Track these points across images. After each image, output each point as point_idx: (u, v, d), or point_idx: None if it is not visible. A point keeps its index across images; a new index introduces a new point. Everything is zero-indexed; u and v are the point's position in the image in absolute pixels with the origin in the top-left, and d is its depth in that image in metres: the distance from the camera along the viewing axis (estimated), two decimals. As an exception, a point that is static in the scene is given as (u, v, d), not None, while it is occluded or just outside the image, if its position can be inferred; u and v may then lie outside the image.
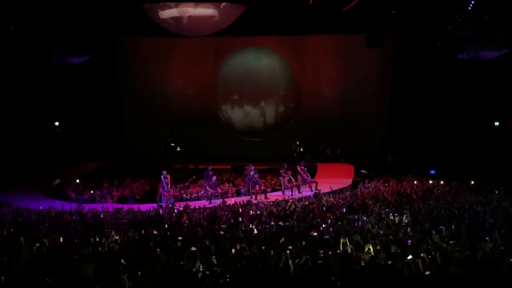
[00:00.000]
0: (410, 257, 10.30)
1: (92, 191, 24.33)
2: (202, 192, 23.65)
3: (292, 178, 23.54)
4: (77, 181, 26.34)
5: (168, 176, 22.32)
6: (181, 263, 10.09)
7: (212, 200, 22.05)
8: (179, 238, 12.39)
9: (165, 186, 21.96)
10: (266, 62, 33.25)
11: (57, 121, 32.43)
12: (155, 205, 20.74)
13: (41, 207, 19.30)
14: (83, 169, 29.29)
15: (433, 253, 10.51)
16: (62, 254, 11.05)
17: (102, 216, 17.66)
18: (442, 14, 26.58)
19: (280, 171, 23.76)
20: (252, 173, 22.94)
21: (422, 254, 10.17)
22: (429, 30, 27.80)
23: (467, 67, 28.00)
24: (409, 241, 11.91)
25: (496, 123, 30.16)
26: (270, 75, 33.13)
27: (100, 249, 11.87)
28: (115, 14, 27.57)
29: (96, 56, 30.16)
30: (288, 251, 10.24)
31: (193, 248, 10.65)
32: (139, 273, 9.40)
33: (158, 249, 11.09)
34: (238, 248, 11.18)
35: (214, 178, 22.75)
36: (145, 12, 27.33)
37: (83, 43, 29.49)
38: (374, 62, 31.46)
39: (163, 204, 20.82)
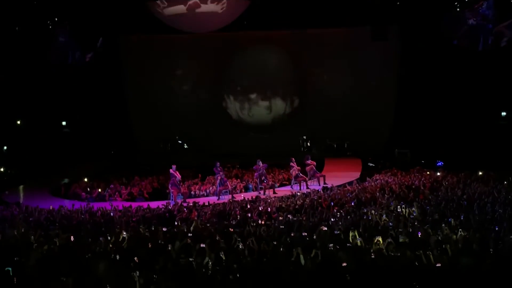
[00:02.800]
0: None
1: (100, 190, 24.41)
2: (211, 188, 23.71)
3: (299, 173, 23.53)
4: (86, 180, 26.44)
5: (177, 172, 22.27)
6: (191, 259, 10.11)
7: (220, 197, 22.07)
8: (189, 234, 12.43)
9: (175, 181, 21.91)
10: (272, 57, 33.22)
11: (64, 121, 32.49)
12: (164, 202, 20.77)
13: (51, 207, 19.35)
14: (91, 168, 29.39)
15: (443, 245, 10.51)
16: (73, 253, 11.10)
17: (111, 214, 17.70)
18: (448, 4, 26.51)
19: (290, 163, 23.72)
20: (261, 167, 22.91)
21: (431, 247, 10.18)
22: (435, 22, 27.68)
23: (473, 58, 27.83)
24: (419, 233, 11.90)
25: (503, 113, 30.02)
26: (276, 70, 33.13)
27: (110, 246, 11.91)
28: (119, 13, 27.61)
29: (102, 56, 30.18)
30: (299, 247, 10.25)
31: (203, 245, 10.67)
32: (150, 270, 9.45)
33: (169, 246, 11.13)
34: (247, 243, 11.20)
35: (223, 174, 22.75)
36: (149, 10, 27.35)
37: (87, 42, 29.53)
38: (380, 55, 31.37)
39: (172, 202, 20.84)
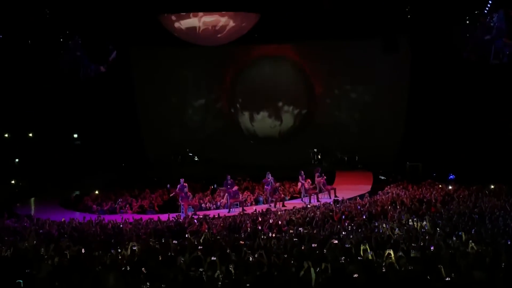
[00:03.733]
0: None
1: (111, 202, 24.45)
2: (222, 200, 23.68)
3: (310, 186, 23.48)
4: (96, 192, 26.49)
5: (186, 184, 22.30)
6: (201, 269, 10.08)
7: (231, 209, 22.05)
8: (199, 247, 12.41)
9: (185, 195, 21.96)
10: (282, 69, 33.24)
11: (75, 133, 32.63)
12: (174, 215, 20.77)
13: (63, 219, 19.39)
14: (102, 180, 29.45)
15: (455, 259, 10.42)
16: (83, 265, 11.10)
17: (122, 226, 17.72)
18: (459, 17, 26.48)
19: (299, 177, 23.68)
20: (270, 180, 22.88)
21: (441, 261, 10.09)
22: (446, 34, 27.66)
23: (484, 69, 27.74)
24: (431, 247, 11.82)
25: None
26: (287, 82, 33.11)
27: (121, 259, 11.91)
28: (130, 25, 27.76)
29: (113, 68, 30.35)
30: (309, 260, 10.20)
31: (214, 258, 10.65)
32: (160, 282, 9.43)
33: (179, 258, 11.10)
34: (257, 256, 11.15)
35: (236, 188, 22.76)
36: (161, 23, 27.49)
37: (99, 55, 29.73)
38: (391, 67, 31.30)
39: (182, 215, 20.84)
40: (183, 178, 22.37)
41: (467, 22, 26.29)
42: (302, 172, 23.76)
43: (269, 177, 22.98)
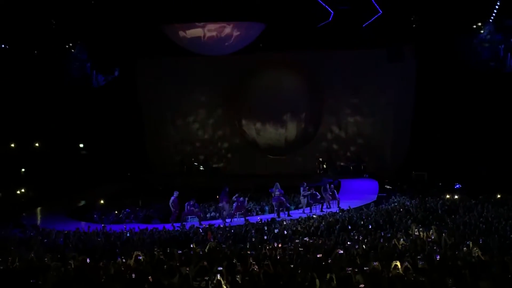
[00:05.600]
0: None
1: (116, 212, 24.44)
2: (224, 212, 23.53)
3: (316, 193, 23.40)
4: (102, 202, 26.49)
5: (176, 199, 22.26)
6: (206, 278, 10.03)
7: (235, 219, 21.98)
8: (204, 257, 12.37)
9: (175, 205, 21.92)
10: (287, 79, 33.15)
11: (81, 143, 32.70)
12: (179, 224, 20.75)
13: (70, 230, 19.37)
14: (107, 190, 29.47)
15: (462, 269, 10.35)
16: (88, 275, 11.08)
17: (127, 236, 17.71)
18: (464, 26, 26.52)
19: (301, 189, 23.58)
20: (277, 191, 22.77)
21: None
22: (451, 43, 27.66)
23: (490, 81, 27.74)
24: (437, 256, 11.74)
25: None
26: (292, 92, 33.01)
27: (125, 269, 11.88)
28: (136, 36, 27.87)
29: (119, 79, 30.47)
30: (314, 271, 10.15)
31: (220, 268, 10.60)
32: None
33: (184, 268, 11.07)
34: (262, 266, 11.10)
35: (236, 195, 22.67)
36: (166, 33, 27.58)
37: (105, 65, 29.91)
38: (396, 77, 31.27)
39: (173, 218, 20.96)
40: (177, 191, 22.27)
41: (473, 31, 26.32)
42: (305, 183, 23.62)
43: (278, 187, 22.80)
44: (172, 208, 22.06)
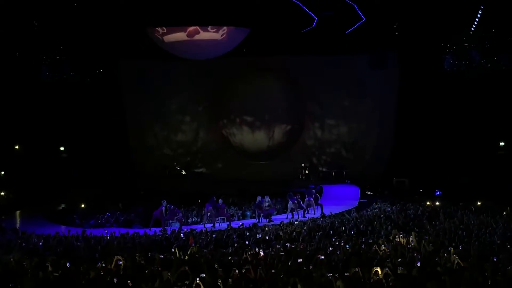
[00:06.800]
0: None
1: (97, 216, 24.26)
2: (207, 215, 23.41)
3: (300, 201, 23.36)
4: (82, 205, 26.31)
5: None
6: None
7: (217, 224, 21.92)
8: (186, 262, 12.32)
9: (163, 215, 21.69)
10: (270, 84, 33.29)
11: (62, 146, 32.47)
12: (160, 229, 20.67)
13: (49, 234, 19.20)
14: (88, 193, 29.26)
15: (441, 276, 10.41)
16: (68, 279, 11.00)
17: (108, 240, 17.58)
18: (446, 33, 26.78)
19: (287, 197, 23.49)
20: (266, 204, 22.60)
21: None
22: (433, 50, 27.92)
23: (473, 88, 28.04)
24: (418, 263, 11.81)
25: (502, 143, 30.07)
26: (275, 97, 33.13)
27: (105, 274, 11.80)
28: (119, 38, 27.77)
29: (101, 81, 30.33)
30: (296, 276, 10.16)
31: (203, 275, 10.57)
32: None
33: (165, 273, 11.02)
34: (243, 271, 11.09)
35: (220, 201, 22.61)
36: (149, 36, 27.51)
37: (87, 65, 29.87)
38: (379, 83, 31.46)
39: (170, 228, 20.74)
40: (165, 200, 22.08)
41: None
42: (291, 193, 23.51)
43: (259, 199, 22.66)
44: (161, 219, 21.74)
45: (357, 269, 11.08)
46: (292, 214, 22.83)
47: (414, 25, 26.06)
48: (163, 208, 21.62)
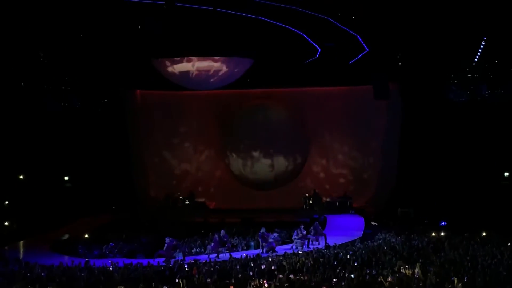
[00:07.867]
0: None
1: (101, 246, 24.15)
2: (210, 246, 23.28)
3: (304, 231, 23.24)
4: (86, 236, 26.23)
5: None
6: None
7: (221, 255, 21.79)
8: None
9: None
10: (275, 114, 33.39)
11: (66, 176, 32.50)
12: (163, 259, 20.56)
13: (53, 264, 19.13)
14: (92, 223, 29.21)
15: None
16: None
17: (111, 270, 17.51)
18: (449, 64, 26.91)
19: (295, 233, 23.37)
20: (271, 240, 22.52)
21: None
22: (436, 81, 28.05)
23: (476, 118, 28.13)
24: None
25: (506, 174, 30.03)
26: (279, 127, 33.15)
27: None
28: (124, 69, 27.98)
29: (106, 111, 30.49)
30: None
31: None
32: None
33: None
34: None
35: (223, 231, 22.52)
36: (155, 67, 27.72)
37: (93, 96, 30.05)
38: (382, 114, 31.59)
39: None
40: (168, 238, 21.94)
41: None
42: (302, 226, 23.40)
43: (262, 231, 22.62)
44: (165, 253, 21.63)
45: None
46: (301, 246, 22.70)
47: (417, 55, 26.21)
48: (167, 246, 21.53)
